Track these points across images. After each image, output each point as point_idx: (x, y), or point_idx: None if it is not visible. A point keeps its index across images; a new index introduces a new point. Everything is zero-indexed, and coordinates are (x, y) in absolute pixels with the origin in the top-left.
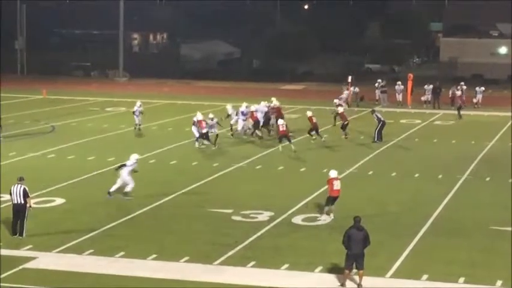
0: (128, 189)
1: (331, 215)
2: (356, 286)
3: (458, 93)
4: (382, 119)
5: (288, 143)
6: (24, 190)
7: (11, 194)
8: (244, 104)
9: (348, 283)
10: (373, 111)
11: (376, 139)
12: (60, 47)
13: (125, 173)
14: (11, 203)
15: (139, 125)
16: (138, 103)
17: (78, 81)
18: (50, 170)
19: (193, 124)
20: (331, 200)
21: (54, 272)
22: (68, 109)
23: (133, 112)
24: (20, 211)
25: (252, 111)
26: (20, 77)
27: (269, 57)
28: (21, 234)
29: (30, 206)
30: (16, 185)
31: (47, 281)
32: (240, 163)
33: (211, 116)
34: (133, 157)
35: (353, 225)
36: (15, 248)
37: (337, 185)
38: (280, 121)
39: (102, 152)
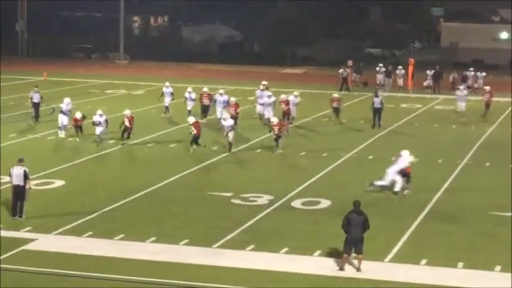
0: (397, 188)
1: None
2: (355, 270)
3: (487, 88)
4: (383, 101)
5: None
6: (25, 172)
7: (10, 176)
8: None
9: (347, 267)
10: (376, 94)
11: (379, 123)
12: (61, 29)
13: (392, 171)
14: (10, 184)
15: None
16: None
17: (78, 63)
18: (49, 152)
19: (63, 112)
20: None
21: (54, 254)
22: (68, 91)
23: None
24: (19, 193)
25: (237, 103)
26: (21, 58)
27: (270, 41)
28: (21, 216)
29: (30, 188)
30: (16, 166)
31: (47, 263)
32: (240, 147)
33: (99, 112)
34: (405, 153)
35: (353, 209)
36: (15, 230)
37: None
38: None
39: None
